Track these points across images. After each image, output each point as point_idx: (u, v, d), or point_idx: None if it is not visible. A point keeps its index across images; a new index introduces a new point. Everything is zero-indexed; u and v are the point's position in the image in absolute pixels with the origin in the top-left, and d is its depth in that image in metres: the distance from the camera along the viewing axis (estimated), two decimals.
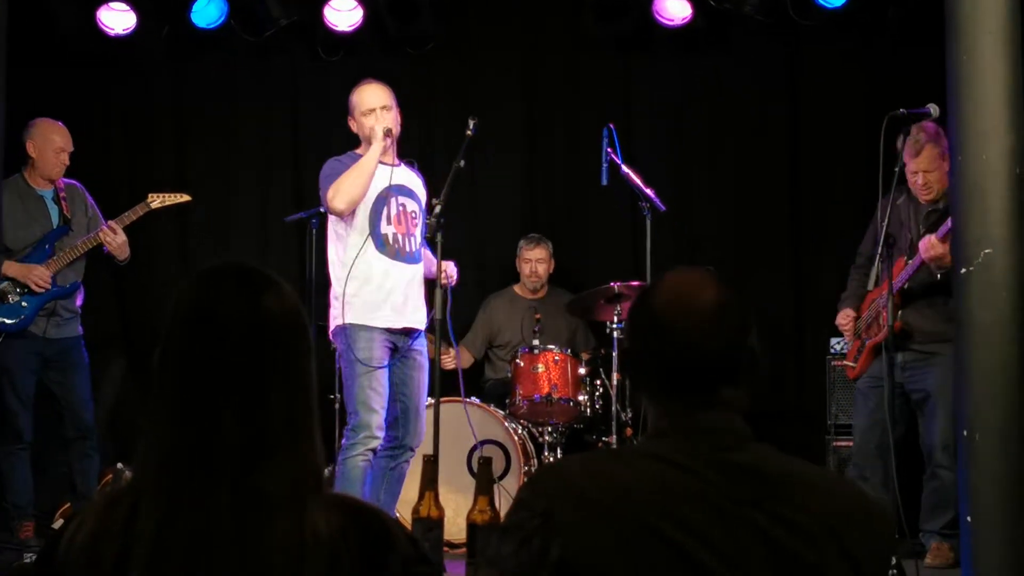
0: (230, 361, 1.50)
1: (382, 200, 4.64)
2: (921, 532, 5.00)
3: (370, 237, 4.60)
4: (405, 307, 4.63)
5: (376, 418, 4.50)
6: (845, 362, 5.26)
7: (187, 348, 1.52)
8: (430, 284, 4.67)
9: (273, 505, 1.47)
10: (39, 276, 5.34)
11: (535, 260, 6.44)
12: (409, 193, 4.74)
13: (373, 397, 4.51)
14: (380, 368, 4.54)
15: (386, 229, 4.63)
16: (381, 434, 4.52)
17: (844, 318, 5.23)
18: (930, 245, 4.79)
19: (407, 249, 4.66)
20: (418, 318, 4.70)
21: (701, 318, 1.65)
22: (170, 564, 1.44)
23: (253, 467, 1.47)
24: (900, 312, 4.96)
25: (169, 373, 1.52)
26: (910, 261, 4.93)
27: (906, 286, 4.96)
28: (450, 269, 4.69)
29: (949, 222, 4.64)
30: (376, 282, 4.59)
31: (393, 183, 4.66)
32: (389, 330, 4.60)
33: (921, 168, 4.93)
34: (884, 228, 4.78)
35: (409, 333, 4.67)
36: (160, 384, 1.53)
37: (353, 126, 4.74)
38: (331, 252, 4.72)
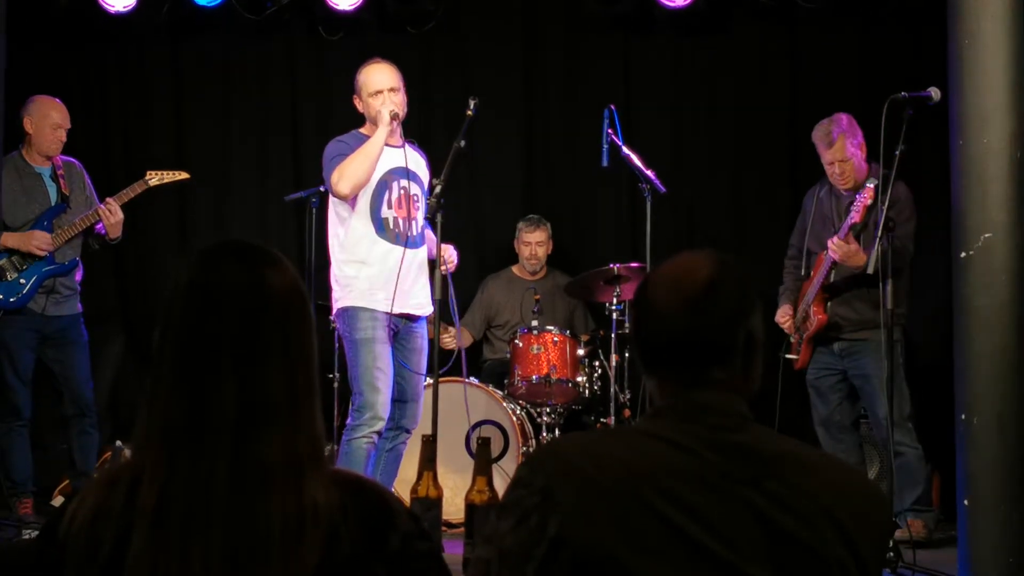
0: (231, 336, 1.50)
1: (384, 184, 4.61)
2: (895, 513, 5.01)
3: (371, 221, 4.58)
4: (405, 291, 4.59)
5: (381, 397, 4.48)
6: (789, 355, 5.29)
7: (188, 324, 1.52)
8: (432, 264, 4.66)
9: (272, 475, 1.47)
10: (40, 240, 5.32)
11: (535, 243, 6.41)
12: (412, 176, 4.70)
13: (379, 376, 4.49)
14: (382, 346, 4.53)
15: (387, 213, 4.60)
16: (386, 415, 4.49)
17: (782, 315, 5.31)
18: (835, 246, 4.91)
19: (408, 233, 4.63)
20: (418, 303, 4.67)
21: (687, 298, 1.66)
22: (169, 536, 1.44)
23: (252, 437, 1.48)
24: (829, 305, 5.11)
25: (169, 349, 1.52)
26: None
27: (831, 280, 5.03)
28: (449, 254, 4.66)
29: (849, 220, 4.78)
30: (376, 266, 4.56)
31: (397, 166, 4.63)
32: (389, 313, 4.58)
33: (837, 159, 5.07)
34: (811, 222, 5.20)
35: (409, 317, 4.66)
36: (160, 360, 1.53)
37: (359, 106, 4.69)
38: (332, 234, 4.70)
